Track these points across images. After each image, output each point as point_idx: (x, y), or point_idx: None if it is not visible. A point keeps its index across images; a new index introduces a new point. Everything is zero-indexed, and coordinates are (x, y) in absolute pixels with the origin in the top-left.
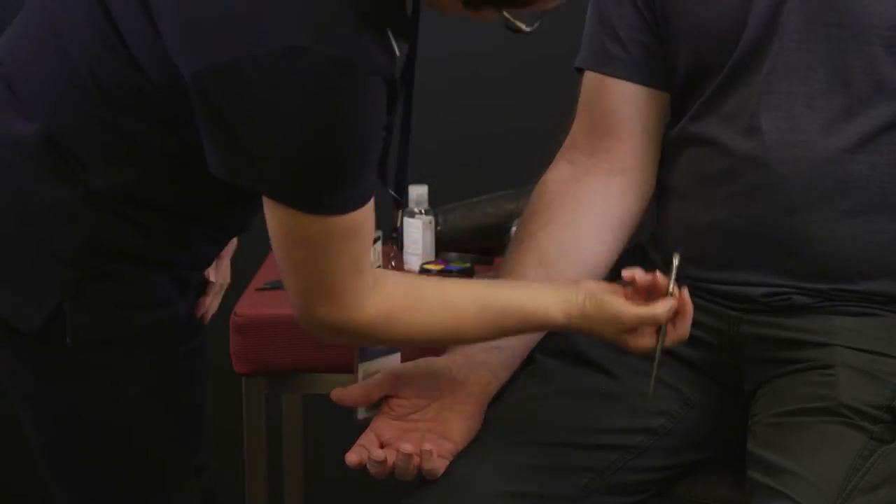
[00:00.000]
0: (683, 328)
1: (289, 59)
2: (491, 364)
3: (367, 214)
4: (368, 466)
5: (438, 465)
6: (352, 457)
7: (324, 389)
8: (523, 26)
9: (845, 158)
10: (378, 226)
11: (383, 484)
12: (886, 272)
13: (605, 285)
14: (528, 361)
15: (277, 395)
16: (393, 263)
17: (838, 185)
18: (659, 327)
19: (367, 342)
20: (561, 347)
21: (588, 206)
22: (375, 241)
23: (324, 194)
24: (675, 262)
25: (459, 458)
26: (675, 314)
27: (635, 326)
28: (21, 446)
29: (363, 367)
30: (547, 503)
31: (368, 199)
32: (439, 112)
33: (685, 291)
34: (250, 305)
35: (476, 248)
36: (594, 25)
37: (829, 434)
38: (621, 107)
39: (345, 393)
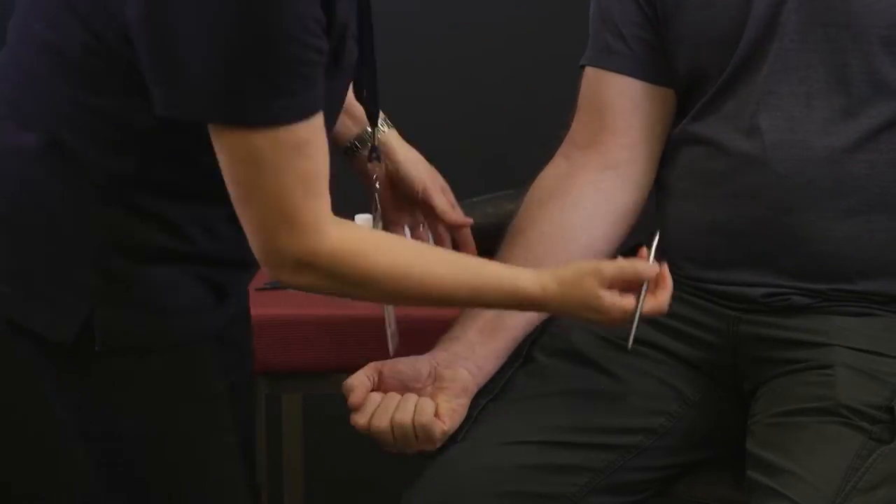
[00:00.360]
0: (664, 296)
1: None
2: (476, 358)
3: (313, 131)
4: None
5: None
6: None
7: (324, 389)
8: None
9: (845, 158)
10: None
11: (383, 484)
12: (885, 272)
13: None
14: (527, 361)
15: (277, 395)
16: None
17: (838, 185)
18: (640, 288)
19: (333, 281)
20: (561, 347)
21: (578, 200)
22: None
23: (261, 101)
24: (656, 239)
25: (459, 458)
26: (656, 285)
27: (616, 280)
28: (19, 447)
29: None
30: (546, 503)
31: (311, 112)
32: (439, 112)
33: (665, 266)
34: (250, 305)
35: (476, 247)
36: (596, 22)
37: (828, 434)
38: (619, 101)
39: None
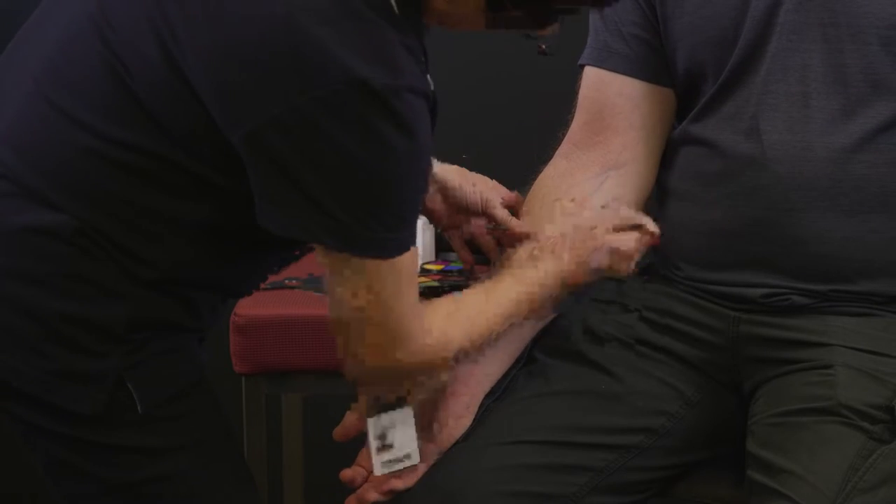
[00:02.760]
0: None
1: (351, 92)
2: (480, 362)
3: (417, 251)
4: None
5: (403, 482)
6: (346, 473)
7: (324, 389)
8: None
9: (844, 158)
10: None
11: None
12: (885, 272)
13: None
14: (528, 361)
15: (277, 395)
16: None
17: (837, 185)
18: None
19: (437, 365)
20: (561, 347)
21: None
22: None
23: (388, 233)
24: None
25: (459, 458)
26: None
27: (618, 220)
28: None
29: (372, 422)
30: (547, 503)
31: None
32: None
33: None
34: (250, 305)
35: (476, 248)
36: (596, 22)
37: (829, 434)
38: (619, 101)
39: (341, 428)
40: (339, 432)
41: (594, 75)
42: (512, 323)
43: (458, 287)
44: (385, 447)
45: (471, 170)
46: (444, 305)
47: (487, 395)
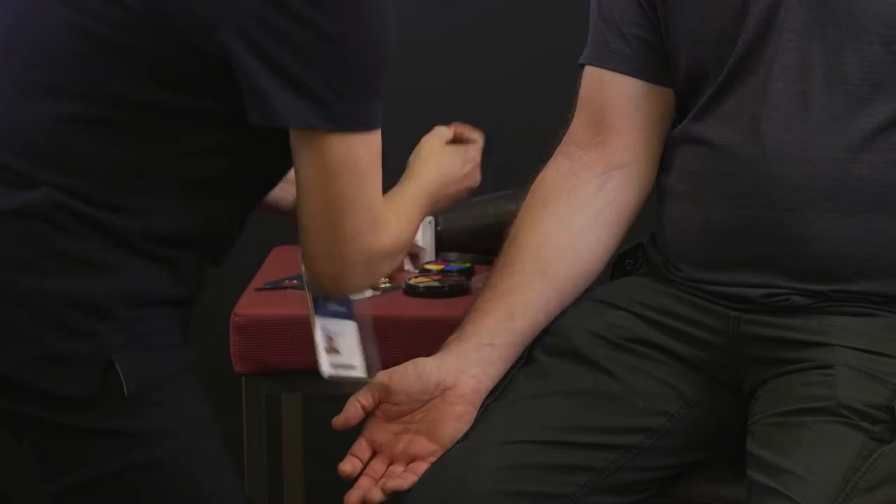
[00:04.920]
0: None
1: None
2: (482, 362)
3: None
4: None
5: (402, 482)
6: (345, 467)
7: (324, 389)
8: None
9: (844, 158)
10: None
11: None
12: (886, 272)
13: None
14: (528, 361)
15: (277, 395)
16: None
17: (837, 185)
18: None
19: (395, 259)
20: (561, 347)
21: (584, 201)
22: None
23: (366, 104)
24: None
25: (459, 458)
26: None
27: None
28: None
29: (320, 322)
30: (547, 502)
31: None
32: (439, 112)
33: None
34: (250, 305)
35: (476, 248)
36: (596, 21)
37: (829, 434)
38: (620, 101)
39: (343, 417)
40: (339, 420)
41: (595, 75)
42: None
43: (459, 287)
44: (333, 349)
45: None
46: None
47: (487, 395)
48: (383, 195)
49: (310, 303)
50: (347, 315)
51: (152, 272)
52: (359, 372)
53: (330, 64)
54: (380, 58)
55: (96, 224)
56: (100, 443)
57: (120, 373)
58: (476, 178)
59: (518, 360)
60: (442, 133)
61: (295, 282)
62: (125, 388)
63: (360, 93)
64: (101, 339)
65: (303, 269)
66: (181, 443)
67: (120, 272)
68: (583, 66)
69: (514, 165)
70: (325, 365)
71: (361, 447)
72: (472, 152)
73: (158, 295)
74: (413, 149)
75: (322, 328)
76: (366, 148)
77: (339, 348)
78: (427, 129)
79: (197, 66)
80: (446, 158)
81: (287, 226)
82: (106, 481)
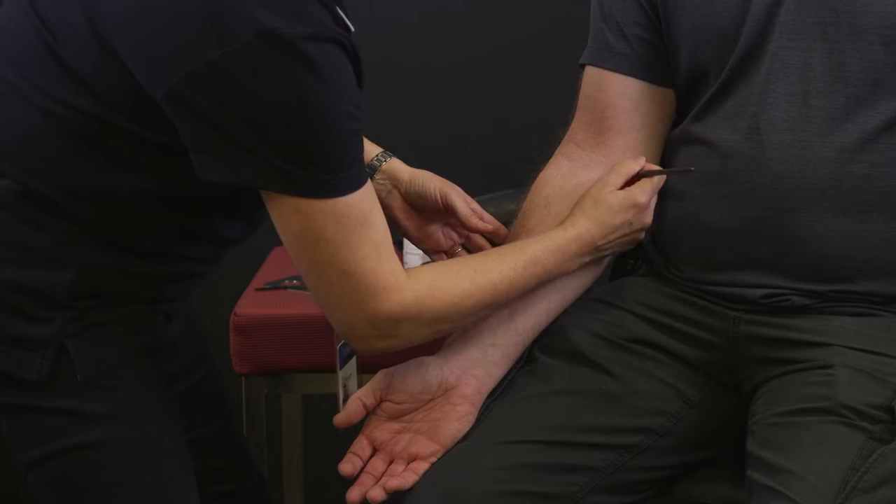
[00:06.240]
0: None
1: (261, 44)
2: (484, 362)
3: (371, 201)
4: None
5: (403, 481)
6: (346, 467)
7: (324, 389)
8: None
9: (844, 158)
10: None
11: None
12: (885, 272)
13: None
14: (529, 361)
15: (277, 395)
16: None
17: (837, 185)
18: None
19: (424, 326)
20: (561, 347)
21: None
22: None
23: (323, 174)
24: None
25: (459, 458)
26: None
27: (619, 178)
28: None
29: (341, 375)
30: (547, 502)
31: (364, 182)
32: (439, 112)
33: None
34: (250, 305)
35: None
36: (597, 22)
37: (829, 434)
38: (621, 102)
39: (344, 415)
40: (341, 418)
41: (595, 75)
42: (524, 287)
43: None
44: (346, 398)
45: (473, 169)
46: (433, 266)
47: (488, 396)
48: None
49: (336, 362)
50: (353, 353)
51: (110, 274)
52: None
53: (277, 131)
54: (340, 128)
55: (57, 226)
56: (50, 421)
57: (73, 359)
58: (645, 220)
59: (518, 360)
60: (611, 180)
61: (295, 282)
62: (77, 375)
63: (314, 161)
64: (55, 326)
65: None
66: (128, 427)
67: (77, 270)
68: (583, 66)
69: (514, 165)
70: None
71: (362, 445)
72: (638, 196)
73: (118, 294)
74: (413, 148)
75: (341, 380)
76: (332, 216)
77: (349, 393)
78: (427, 129)
79: (144, 100)
80: (604, 210)
81: None
82: (53, 459)
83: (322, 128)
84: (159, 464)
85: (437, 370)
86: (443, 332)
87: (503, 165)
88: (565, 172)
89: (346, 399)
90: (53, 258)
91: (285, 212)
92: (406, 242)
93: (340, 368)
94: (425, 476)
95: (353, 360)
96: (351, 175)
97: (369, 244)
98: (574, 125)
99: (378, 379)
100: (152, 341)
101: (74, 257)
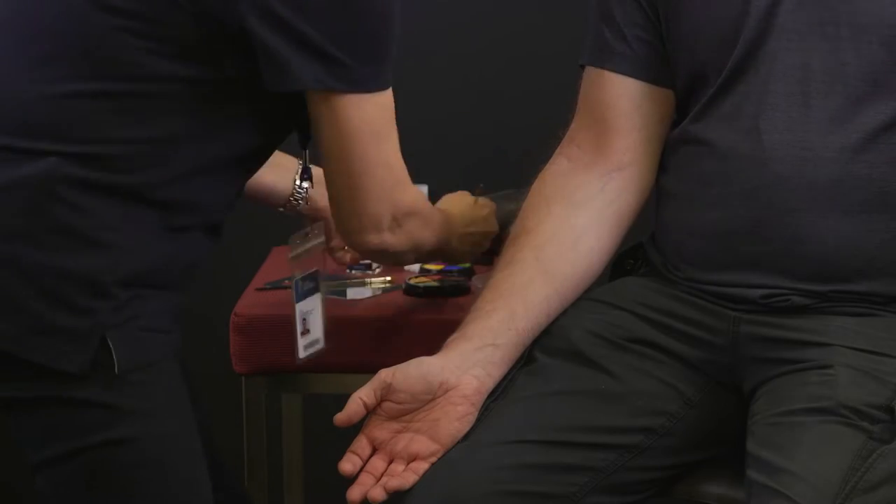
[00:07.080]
0: None
1: None
2: (485, 362)
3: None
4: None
5: (403, 481)
6: (346, 466)
7: (324, 389)
8: None
9: (844, 158)
10: None
11: None
12: (885, 272)
13: None
14: (528, 361)
15: (277, 395)
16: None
17: (837, 185)
18: None
19: (420, 223)
20: (561, 347)
21: (585, 201)
22: None
23: (381, 68)
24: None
25: (459, 458)
26: None
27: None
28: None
29: (298, 308)
30: (547, 502)
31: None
32: (439, 112)
33: None
34: (250, 305)
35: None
36: (597, 22)
37: (828, 434)
38: (621, 102)
39: (345, 414)
40: (341, 417)
41: (595, 76)
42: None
43: (459, 287)
44: (305, 331)
45: (473, 169)
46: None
47: (488, 396)
48: None
49: (293, 295)
50: (315, 289)
51: (150, 253)
52: (320, 345)
53: (342, 27)
54: (389, 22)
55: (101, 197)
56: (83, 415)
57: (113, 351)
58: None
59: (518, 360)
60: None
61: None
62: (116, 367)
63: (372, 55)
64: (98, 317)
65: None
66: (158, 425)
67: (119, 251)
68: (583, 66)
69: (514, 165)
70: (300, 350)
71: (361, 444)
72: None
73: (156, 277)
74: (413, 148)
75: (299, 313)
76: (381, 109)
77: (310, 327)
78: (428, 129)
79: (210, 33)
80: (462, 200)
81: (286, 226)
82: (82, 454)
83: (382, 16)
84: (186, 463)
85: (437, 370)
86: (424, 247)
87: (504, 165)
88: (565, 173)
89: (303, 333)
90: (96, 241)
91: (345, 110)
92: None
93: (299, 302)
94: (425, 476)
95: (318, 297)
96: (391, 68)
97: (396, 136)
98: (574, 125)
99: (378, 378)
100: (177, 341)
101: (116, 238)
